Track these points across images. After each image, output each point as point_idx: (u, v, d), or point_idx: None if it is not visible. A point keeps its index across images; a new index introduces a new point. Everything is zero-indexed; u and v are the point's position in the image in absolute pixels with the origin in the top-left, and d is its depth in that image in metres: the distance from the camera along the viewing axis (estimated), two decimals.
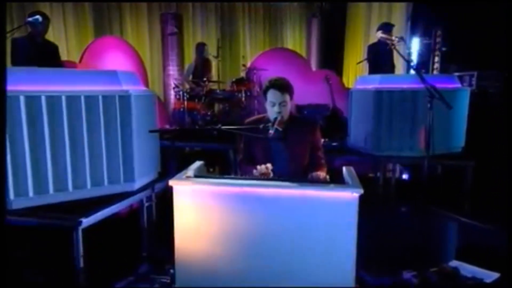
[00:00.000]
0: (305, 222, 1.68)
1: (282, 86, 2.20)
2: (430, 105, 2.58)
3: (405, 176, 4.84)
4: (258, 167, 2.03)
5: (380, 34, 4.63)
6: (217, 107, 6.12)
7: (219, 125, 1.96)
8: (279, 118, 2.11)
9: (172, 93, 6.14)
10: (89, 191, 2.67)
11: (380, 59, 4.77)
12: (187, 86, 5.95)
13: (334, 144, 4.41)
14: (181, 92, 5.45)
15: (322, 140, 4.72)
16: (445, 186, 3.94)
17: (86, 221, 2.36)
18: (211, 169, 4.26)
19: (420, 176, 3.23)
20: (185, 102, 5.34)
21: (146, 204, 3.02)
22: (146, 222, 3.02)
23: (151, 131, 2.23)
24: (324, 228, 1.67)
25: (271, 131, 1.98)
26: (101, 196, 2.66)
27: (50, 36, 5.74)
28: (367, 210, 1.74)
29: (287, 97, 2.21)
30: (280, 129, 2.25)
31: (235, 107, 5.39)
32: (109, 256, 2.78)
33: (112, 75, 2.81)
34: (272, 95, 2.19)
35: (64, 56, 5.90)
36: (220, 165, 4.64)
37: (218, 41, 6.18)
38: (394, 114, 3.76)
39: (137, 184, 2.87)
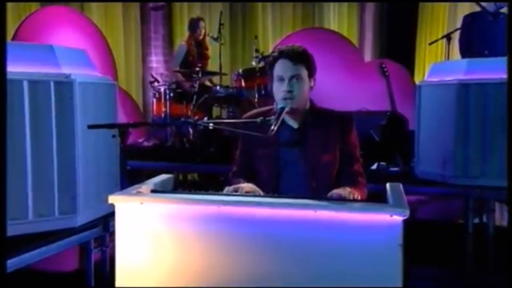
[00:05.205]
0: (319, 263, 1.67)
1: (296, 53, 2.21)
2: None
3: None
4: (237, 186, 2.07)
5: None
6: (216, 111, 6.09)
7: (196, 118, 1.93)
8: (287, 109, 2.12)
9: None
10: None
11: (481, 36, 4.66)
12: (173, 79, 6.02)
13: (394, 169, 4.34)
14: (162, 89, 5.46)
15: (376, 164, 4.55)
16: None
17: None
18: None
19: None
20: (168, 104, 5.32)
21: (94, 250, 3.03)
22: (93, 279, 3.01)
23: (90, 127, 2.21)
24: (350, 274, 1.64)
25: (274, 127, 1.98)
26: (22, 236, 2.67)
27: None
28: (441, 274, 1.62)
29: (303, 70, 2.23)
30: (294, 126, 2.28)
31: (243, 111, 5.33)
32: None
33: (45, 51, 2.85)
34: (280, 67, 2.22)
35: None
36: None
37: (221, 16, 6.22)
38: (490, 121, 3.66)
39: (81, 219, 2.90)
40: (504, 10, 4.25)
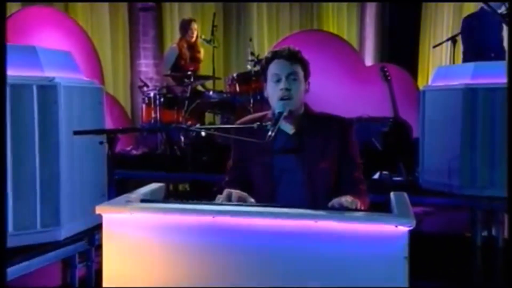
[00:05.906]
0: (319, 276, 1.67)
1: (291, 53, 2.23)
2: None
3: None
4: (230, 191, 2.05)
5: None
6: (208, 117, 6.09)
7: (188, 123, 1.92)
8: (285, 113, 2.13)
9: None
10: None
11: (482, 38, 4.68)
12: (164, 83, 6.05)
13: (397, 179, 4.36)
14: (151, 94, 5.46)
15: (378, 173, 4.57)
16: None
17: None
18: None
19: None
20: (158, 110, 5.33)
21: (79, 266, 3.05)
22: None
23: (76, 133, 2.21)
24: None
25: (271, 133, 1.99)
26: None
27: None
28: None
29: (299, 70, 2.24)
30: (289, 131, 2.29)
31: (237, 117, 5.33)
32: None
33: (28, 53, 2.87)
34: (276, 66, 2.23)
35: None
36: None
37: (214, 17, 6.24)
38: (499, 127, 3.66)
39: (65, 232, 2.91)
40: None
